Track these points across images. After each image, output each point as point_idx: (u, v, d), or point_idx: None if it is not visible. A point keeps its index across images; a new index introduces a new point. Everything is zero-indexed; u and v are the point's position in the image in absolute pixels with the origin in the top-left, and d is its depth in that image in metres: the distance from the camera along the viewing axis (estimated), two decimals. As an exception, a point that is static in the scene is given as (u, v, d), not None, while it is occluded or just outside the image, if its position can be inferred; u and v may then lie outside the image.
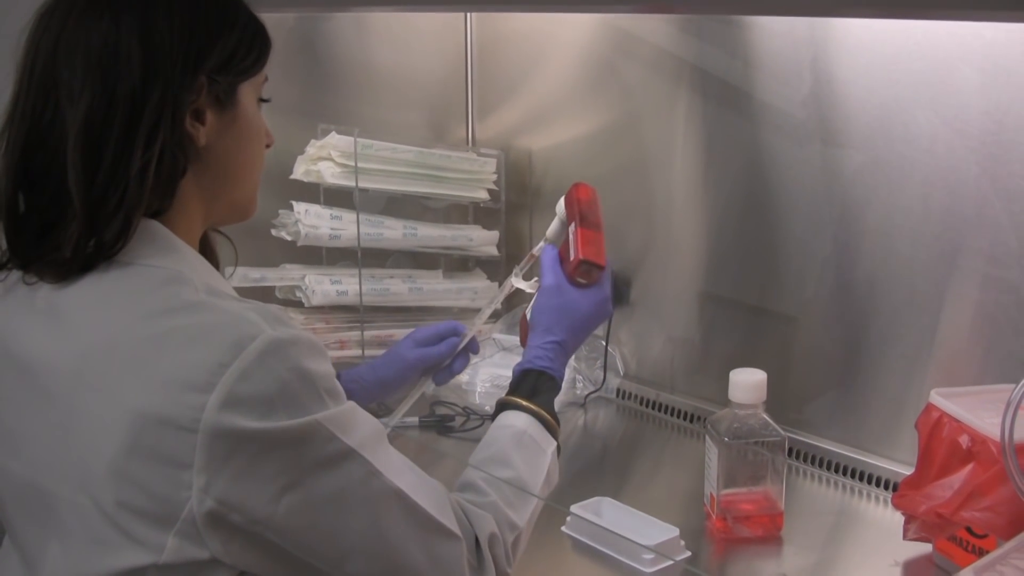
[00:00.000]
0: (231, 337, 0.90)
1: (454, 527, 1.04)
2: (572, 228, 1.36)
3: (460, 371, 1.57)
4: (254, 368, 0.89)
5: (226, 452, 0.88)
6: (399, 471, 1.00)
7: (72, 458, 0.93)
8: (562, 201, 1.41)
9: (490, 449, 1.19)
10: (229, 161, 1.04)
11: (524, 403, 1.24)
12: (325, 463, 0.93)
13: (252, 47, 1.04)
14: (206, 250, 1.13)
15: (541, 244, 1.43)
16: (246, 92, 1.05)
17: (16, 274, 1.02)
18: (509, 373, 1.86)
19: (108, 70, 0.94)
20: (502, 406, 1.26)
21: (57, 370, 0.96)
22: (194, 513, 0.88)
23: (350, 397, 1.51)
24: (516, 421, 1.23)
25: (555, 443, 1.24)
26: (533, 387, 1.27)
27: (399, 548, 0.99)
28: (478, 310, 2.11)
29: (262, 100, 1.10)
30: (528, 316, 1.40)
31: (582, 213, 1.36)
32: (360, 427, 0.97)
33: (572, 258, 1.33)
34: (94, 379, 0.92)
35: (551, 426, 1.24)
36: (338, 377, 1.49)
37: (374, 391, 1.53)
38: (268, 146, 1.12)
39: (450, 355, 1.54)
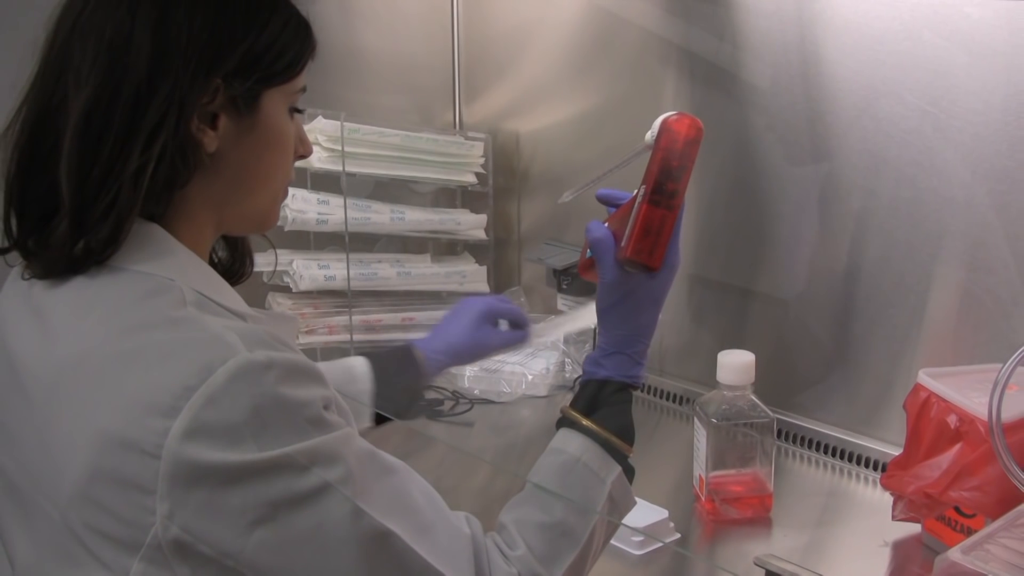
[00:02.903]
0: (201, 359, 0.84)
1: None
2: (640, 195, 1.08)
3: None
4: (221, 393, 0.83)
5: (189, 482, 0.83)
6: (397, 508, 0.91)
7: (46, 470, 0.90)
8: (655, 127, 1.11)
9: (535, 481, 1.07)
10: (243, 171, 0.98)
11: (583, 421, 1.09)
12: (300, 499, 0.85)
13: (284, 52, 0.97)
14: (241, 252, 1.10)
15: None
16: (273, 99, 0.98)
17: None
18: (499, 356, 1.88)
19: (116, 59, 0.90)
20: (560, 421, 1.12)
21: (37, 377, 0.92)
22: (159, 539, 0.83)
23: (424, 365, 1.43)
24: (570, 445, 1.09)
25: (618, 469, 1.09)
26: (596, 398, 1.11)
27: None
28: (468, 294, 2.12)
29: (296, 111, 1.03)
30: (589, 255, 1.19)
31: (661, 172, 1.07)
32: (348, 459, 0.88)
33: (623, 243, 1.08)
34: (66, 393, 0.89)
35: (615, 448, 1.09)
36: (411, 345, 1.44)
37: (445, 360, 1.45)
38: (303, 156, 1.06)
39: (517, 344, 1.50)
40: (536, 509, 1.05)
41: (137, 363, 0.86)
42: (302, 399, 0.86)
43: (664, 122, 1.09)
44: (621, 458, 1.10)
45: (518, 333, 1.49)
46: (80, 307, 0.92)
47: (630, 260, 1.07)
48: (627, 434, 1.11)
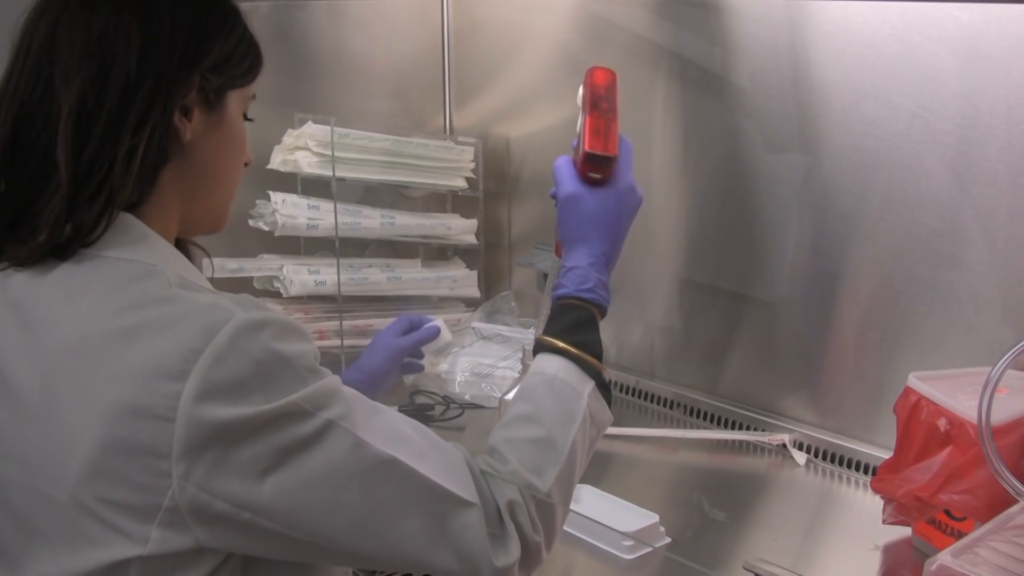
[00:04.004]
0: (203, 323, 0.89)
1: (468, 494, 1.00)
2: (580, 120, 1.24)
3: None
4: (227, 352, 0.88)
5: (204, 440, 0.87)
6: (396, 439, 0.97)
7: (48, 455, 0.92)
8: (580, 90, 1.27)
9: (519, 404, 1.12)
10: (209, 163, 1.05)
11: (558, 344, 1.14)
12: (307, 441, 0.91)
13: (247, 56, 1.05)
14: (183, 252, 1.13)
15: None
16: (234, 100, 1.06)
17: None
18: (489, 361, 1.89)
19: (106, 53, 0.96)
20: (536, 347, 1.18)
21: (29, 368, 0.95)
22: (177, 501, 0.88)
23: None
24: (547, 366, 1.14)
25: (592, 383, 1.14)
26: (568, 320, 1.16)
27: (401, 520, 0.96)
28: (458, 299, 2.12)
29: (246, 118, 1.10)
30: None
31: (593, 100, 1.22)
32: (342, 399, 0.95)
33: (580, 153, 1.20)
34: (67, 376, 0.92)
35: (588, 364, 1.14)
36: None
37: (366, 388, 1.48)
38: (246, 164, 1.12)
39: (429, 339, 1.60)
40: (522, 426, 1.10)
41: (139, 336, 0.90)
42: (297, 351, 0.93)
43: (587, 73, 1.25)
44: (595, 374, 1.15)
45: (429, 328, 1.61)
46: (69, 294, 0.96)
47: (588, 154, 1.18)
48: (598, 354, 1.16)
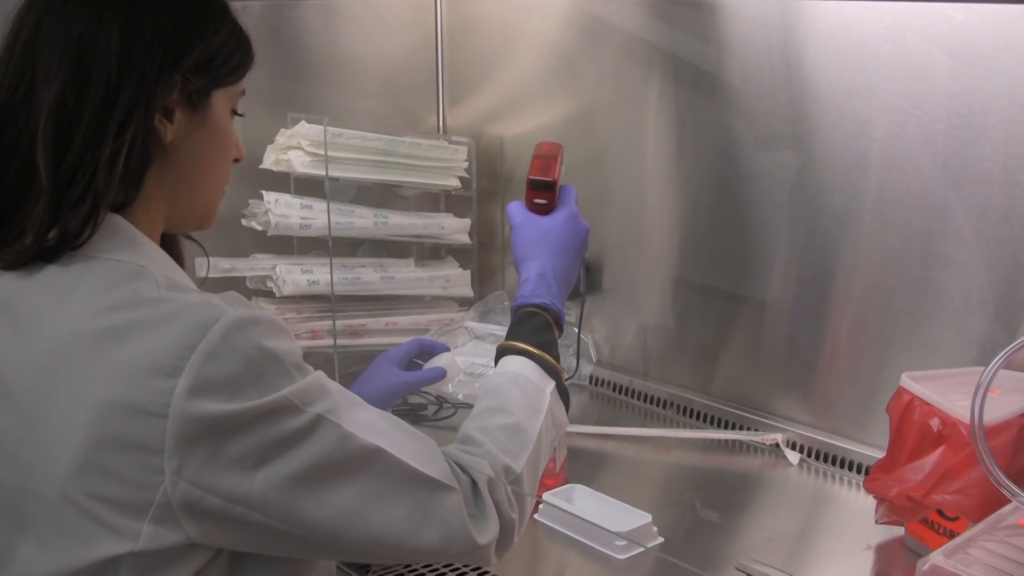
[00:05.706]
0: (195, 320, 0.90)
1: (446, 479, 1.03)
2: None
3: None
4: (219, 348, 0.89)
5: (196, 435, 0.88)
6: (377, 430, 1.00)
7: (38, 453, 0.92)
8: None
9: (487, 398, 1.18)
10: (193, 163, 1.05)
11: (519, 345, 1.22)
12: (297, 435, 0.93)
13: (233, 55, 1.05)
14: (170, 248, 1.13)
15: None
16: (220, 100, 1.06)
17: None
18: (482, 361, 1.89)
19: (86, 54, 0.95)
20: (500, 352, 1.24)
21: (17, 367, 0.95)
22: (168, 497, 0.89)
23: None
24: (512, 366, 1.21)
25: (553, 383, 1.21)
26: (526, 327, 1.24)
27: (387, 507, 0.99)
28: (451, 298, 2.12)
29: (236, 114, 1.10)
30: None
31: (538, 153, 1.37)
32: (329, 394, 0.97)
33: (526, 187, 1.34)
34: (57, 374, 0.92)
35: (548, 364, 1.21)
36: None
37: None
38: (237, 160, 1.12)
39: (436, 380, 1.63)
40: (492, 416, 1.15)
41: (130, 334, 0.91)
42: (285, 348, 0.94)
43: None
44: (555, 376, 1.22)
45: (434, 369, 1.61)
46: (58, 293, 0.96)
47: (530, 180, 1.32)
48: (556, 356, 1.23)
